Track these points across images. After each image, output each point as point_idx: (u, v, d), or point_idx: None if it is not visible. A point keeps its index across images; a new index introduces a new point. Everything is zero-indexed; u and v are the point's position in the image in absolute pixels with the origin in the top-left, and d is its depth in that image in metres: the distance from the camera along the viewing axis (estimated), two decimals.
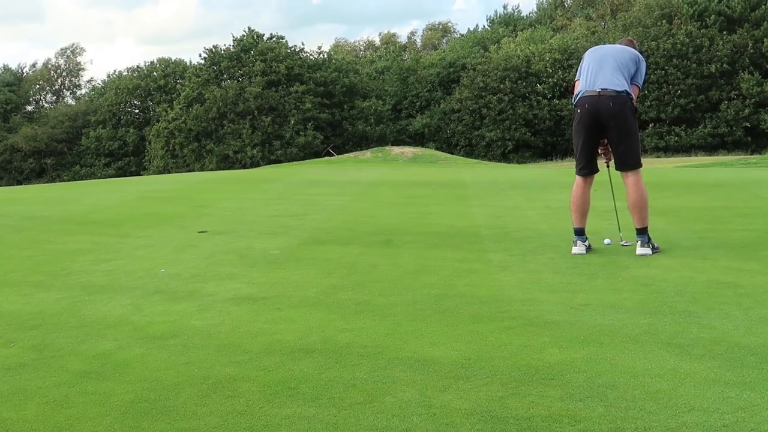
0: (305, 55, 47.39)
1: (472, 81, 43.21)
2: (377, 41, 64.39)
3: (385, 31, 74.86)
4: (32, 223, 9.14)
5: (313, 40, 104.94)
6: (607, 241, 6.36)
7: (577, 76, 6.17)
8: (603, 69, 5.89)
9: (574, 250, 5.96)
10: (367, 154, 35.02)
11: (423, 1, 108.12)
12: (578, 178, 6.10)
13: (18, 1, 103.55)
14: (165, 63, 53.28)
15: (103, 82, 57.52)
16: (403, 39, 63.98)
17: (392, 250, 6.46)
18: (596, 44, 43.99)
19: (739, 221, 7.72)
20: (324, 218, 8.92)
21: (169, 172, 40.90)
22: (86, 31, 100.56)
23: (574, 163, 6.19)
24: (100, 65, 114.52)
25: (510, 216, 8.62)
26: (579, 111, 5.92)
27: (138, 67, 53.88)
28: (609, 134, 5.92)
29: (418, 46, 63.80)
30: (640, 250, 5.78)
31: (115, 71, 57.93)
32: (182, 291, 4.99)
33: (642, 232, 5.85)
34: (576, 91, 6.02)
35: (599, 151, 6.18)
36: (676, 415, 2.68)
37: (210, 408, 2.89)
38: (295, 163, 36.63)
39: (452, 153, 38.85)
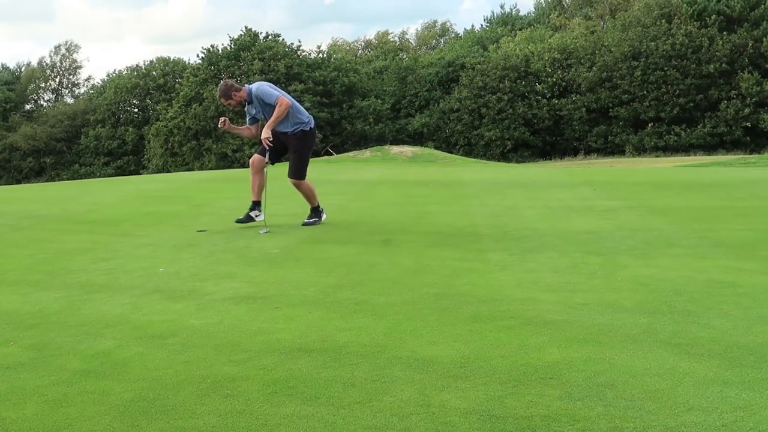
0: (303, 53, 47.37)
1: (471, 80, 43.19)
2: (374, 40, 64.23)
3: (383, 30, 74.65)
4: (31, 222, 9.14)
5: (322, 39, 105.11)
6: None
7: (283, 94, 7.85)
8: None
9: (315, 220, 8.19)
10: (366, 153, 34.97)
11: (432, 0, 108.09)
12: (307, 180, 8.27)
13: (29, 0, 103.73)
14: (164, 62, 53.31)
15: (103, 81, 57.58)
16: (396, 39, 63.62)
17: (391, 249, 6.46)
18: (595, 44, 43.68)
19: (738, 221, 7.72)
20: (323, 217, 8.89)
21: (168, 171, 40.90)
22: (95, 30, 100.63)
23: (305, 171, 8.35)
24: (107, 64, 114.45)
25: (509, 215, 8.62)
26: (315, 133, 8.31)
27: (137, 66, 53.97)
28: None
29: (413, 45, 63.56)
30: (305, 220, 8.19)
31: (114, 70, 57.94)
32: (181, 290, 4.99)
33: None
34: (304, 115, 8.06)
35: (269, 145, 8.24)
36: (675, 414, 2.68)
37: (209, 407, 2.89)
38: None
39: (451, 152, 38.83)
